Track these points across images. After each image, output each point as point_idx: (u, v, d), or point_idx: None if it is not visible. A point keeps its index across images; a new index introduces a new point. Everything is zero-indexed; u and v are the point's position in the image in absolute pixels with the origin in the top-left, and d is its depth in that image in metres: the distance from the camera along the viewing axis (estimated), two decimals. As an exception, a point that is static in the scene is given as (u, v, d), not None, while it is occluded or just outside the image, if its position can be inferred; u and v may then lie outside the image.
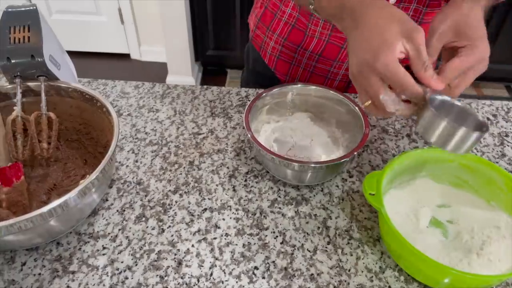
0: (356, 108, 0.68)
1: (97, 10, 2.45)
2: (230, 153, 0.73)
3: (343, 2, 0.54)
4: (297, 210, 0.65)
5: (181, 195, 0.66)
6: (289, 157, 0.68)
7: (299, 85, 0.71)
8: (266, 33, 0.87)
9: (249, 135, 0.63)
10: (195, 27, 2.28)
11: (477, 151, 0.75)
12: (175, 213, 0.64)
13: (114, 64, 2.61)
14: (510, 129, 0.79)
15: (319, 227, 0.63)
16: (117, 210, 0.64)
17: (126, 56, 2.65)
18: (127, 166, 0.70)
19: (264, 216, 0.64)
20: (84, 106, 0.65)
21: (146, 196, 0.66)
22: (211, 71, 2.58)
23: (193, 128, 0.77)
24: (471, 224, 0.61)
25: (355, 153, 0.63)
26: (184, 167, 0.70)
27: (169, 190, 0.67)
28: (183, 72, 2.38)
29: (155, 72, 2.55)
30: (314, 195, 0.67)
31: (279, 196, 0.67)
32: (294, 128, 0.71)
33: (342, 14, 0.54)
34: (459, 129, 0.48)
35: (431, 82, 0.48)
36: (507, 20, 2.15)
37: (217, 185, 0.68)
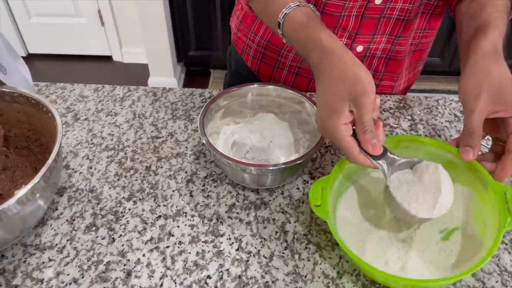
0: (314, 107, 0.66)
1: (77, 12, 2.42)
2: (190, 156, 0.71)
3: (307, 46, 0.54)
4: (256, 214, 0.63)
5: (135, 202, 0.64)
6: (246, 160, 0.66)
7: (255, 85, 0.68)
8: (248, 35, 0.84)
9: (203, 140, 0.61)
10: (175, 27, 2.25)
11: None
12: (128, 221, 0.61)
13: (96, 66, 2.58)
14: (478, 125, 0.77)
15: (277, 232, 0.60)
16: (67, 220, 0.61)
17: (108, 58, 2.61)
18: (80, 173, 0.68)
19: (220, 222, 0.62)
20: (31, 112, 0.62)
21: (98, 204, 0.63)
22: (194, 71, 2.55)
23: (152, 131, 0.75)
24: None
25: (312, 154, 0.60)
26: (140, 173, 0.68)
27: (123, 197, 0.64)
28: (165, 73, 2.35)
29: (138, 74, 2.52)
30: (274, 199, 0.65)
31: (238, 201, 0.64)
32: (254, 130, 0.69)
33: (308, 57, 0.54)
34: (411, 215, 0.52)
35: (368, 146, 0.49)
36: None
37: (173, 191, 0.65)
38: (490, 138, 0.61)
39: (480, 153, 0.55)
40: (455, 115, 0.79)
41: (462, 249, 0.55)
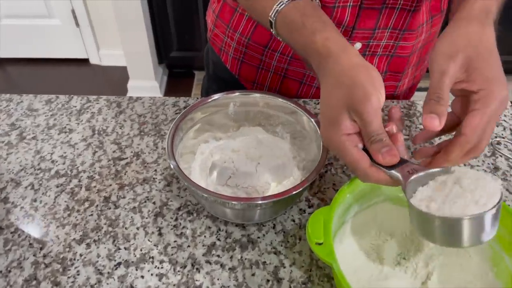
0: (312, 119, 0.53)
1: (49, 13, 2.26)
2: (159, 182, 0.58)
3: (305, 51, 0.46)
4: (241, 257, 0.50)
5: (88, 246, 0.51)
6: (229, 188, 0.53)
7: (237, 93, 0.55)
8: (226, 32, 0.71)
9: (172, 166, 0.48)
10: (155, 27, 2.11)
11: (464, 165, 0.61)
12: (78, 271, 0.48)
13: (73, 70, 2.42)
14: (502, 134, 0.65)
15: (268, 280, 0.48)
16: (1, 271, 0.48)
17: (85, 62, 2.46)
18: (21, 207, 0.54)
19: (197, 269, 0.49)
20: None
21: (41, 249, 0.50)
22: (178, 73, 2.41)
23: (114, 151, 0.62)
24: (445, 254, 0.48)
25: (311, 180, 0.48)
26: (97, 206, 0.55)
27: (73, 239, 0.51)
28: (145, 76, 2.21)
29: (117, 77, 2.37)
30: (264, 235, 0.52)
31: (219, 239, 0.51)
32: (237, 148, 0.56)
33: (309, 63, 0.47)
34: (460, 221, 0.35)
35: (378, 157, 0.40)
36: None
37: (137, 229, 0.52)
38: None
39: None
40: (475, 123, 0.67)
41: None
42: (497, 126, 0.67)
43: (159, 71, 2.29)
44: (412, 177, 0.40)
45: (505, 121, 0.68)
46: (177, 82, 2.39)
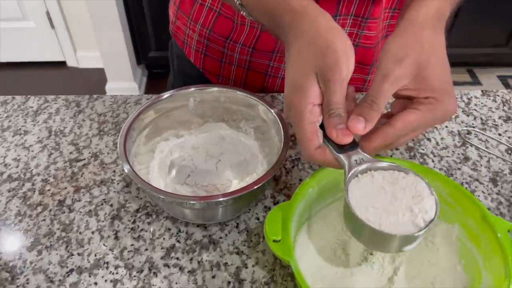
0: (273, 112, 0.51)
1: (23, 15, 2.21)
2: (118, 184, 0.55)
3: (275, 12, 0.42)
4: (202, 259, 0.48)
5: (39, 253, 0.48)
6: (188, 187, 0.51)
7: (192, 89, 0.53)
8: (187, 24, 0.69)
9: (125, 169, 0.45)
10: (132, 27, 2.07)
11: (434, 155, 0.59)
12: (27, 280, 0.45)
13: (49, 73, 2.37)
14: (473, 124, 0.64)
15: (229, 282, 0.46)
16: None
17: (61, 64, 2.41)
18: (-31, 215, 0.51)
19: (154, 273, 0.46)
20: None
21: (-12, 258, 0.47)
22: (157, 74, 2.38)
23: (71, 153, 0.59)
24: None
25: (272, 174, 0.46)
26: (50, 210, 0.52)
27: (24, 246, 0.48)
28: (124, 77, 2.17)
29: (95, 79, 2.33)
30: (226, 235, 0.50)
31: (178, 241, 0.49)
32: (197, 146, 0.54)
33: (276, 26, 0.43)
34: (392, 237, 0.35)
35: (332, 132, 0.38)
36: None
37: (93, 233, 0.50)
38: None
39: None
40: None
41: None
42: (467, 115, 0.65)
43: (138, 72, 2.26)
44: (358, 168, 0.38)
45: (475, 110, 0.66)
46: (157, 82, 2.35)
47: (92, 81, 2.33)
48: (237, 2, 0.46)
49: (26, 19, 2.22)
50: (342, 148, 0.38)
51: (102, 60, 2.11)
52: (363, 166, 0.38)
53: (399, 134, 0.39)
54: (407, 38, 0.41)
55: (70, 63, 2.40)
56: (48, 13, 2.19)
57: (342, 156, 0.38)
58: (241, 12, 0.47)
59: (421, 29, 0.42)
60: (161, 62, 2.28)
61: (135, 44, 2.15)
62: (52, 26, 2.23)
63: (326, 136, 0.38)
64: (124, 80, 2.19)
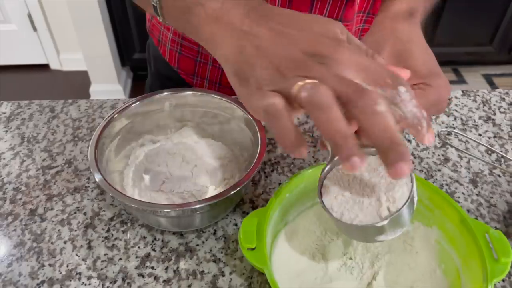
0: (249, 115, 0.50)
1: (4, 18, 2.17)
2: (92, 191, 0.53)
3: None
4: (178, 267, 0.46)
5: (9, 264, 0.46)
6: (163, 194, 0.49)
7: (165, 93, 0.52)
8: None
9: (96, 179, 0.44)
10: (116, 29, 2.05)
11: (414, 157, 0.59)
12: (-4, 294, 0.44)
13: (32, 77, 2.33)
14: (453, 125, 0.64)
15: (206, 291, 0.44)
16: None
17: (45, 67, 2.37)
18: None
19: (128, 283, 0.45)
20: None
21: (-45, 271, 0.45)
22: (142, 76, 2.35)
23: (44, 160, 0.57)
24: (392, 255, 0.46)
25: (250, 178, 0.45)
26: (21, 220, 0.50)
27: (-7, 258, 0.47)
28: (108, 80, 2.14)
29: (79, 82, 2.29)
30: (203, 242, 0.49)
31: (154, 249, 0.48)
32: (173, 152, 0.53)
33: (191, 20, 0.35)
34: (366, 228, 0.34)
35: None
36: None
37: (65, 243, 0.48)
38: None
39: None
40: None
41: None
42: (448, 116, 0.65)
43: (122, 74, 2.23)
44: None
45: (456, 110, 0.66)
46: (142, 84, 2.31)
47: (76, 84, 2.30)
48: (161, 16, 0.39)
49: (7, 22, 2.19)
50: None
51: (85, 63, 2.08)
52: None
53: None
54: (382, 32, 0.41)
55: (53, 66, 2.37)
56: (30, 16, 2.15)
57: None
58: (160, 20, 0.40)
59: (394, 23, 0.41)
60: (146, 64, 2.26)
61: (119, 46, 2.13)
62: (35, 28, 2.20)
63: None
64: (108, 83, 2.16)
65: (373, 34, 0.42)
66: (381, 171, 0.36)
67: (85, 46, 1.99)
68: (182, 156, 0.52)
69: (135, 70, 2.35)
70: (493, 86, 2.22)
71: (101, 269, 0.46)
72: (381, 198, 0.34)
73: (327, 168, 0.37)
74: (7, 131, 0.61)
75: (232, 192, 0.44)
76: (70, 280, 0.45)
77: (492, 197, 0.54)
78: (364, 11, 0.63)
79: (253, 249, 0.39)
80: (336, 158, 0.37)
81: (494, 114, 0.65)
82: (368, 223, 0.34)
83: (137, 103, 0.51)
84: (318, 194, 0.36)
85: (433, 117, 0.65)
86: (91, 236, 0.49)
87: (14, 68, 2.35)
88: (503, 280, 0.46)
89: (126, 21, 2.02)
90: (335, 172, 0.37)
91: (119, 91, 2.17)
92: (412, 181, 0.34)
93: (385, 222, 0.33)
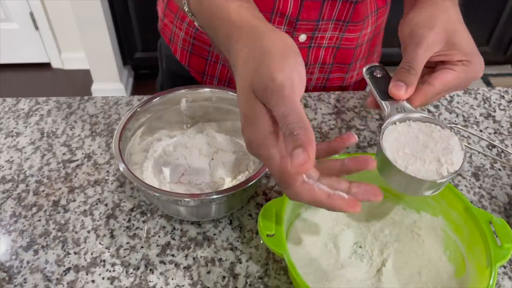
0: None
1: (6, 17, 2.18)
2: (112, 184, 0.56)
3: (213, 23, 0.40)
4: (197, 255, 0.49)
5: (36, 252, 0.48)
6: (182, 185, 0.52)
7: (183, 90, 0.54)
8: (174, 22, 0.70)
9: (121, 168, 0.46)
10: (118, 28, 2.06)
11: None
12: (25, 279, 0.46)
13: (33, 75, 2.35)
14: (455, 121, 0.67)
15: (224, 277, 0.47)
16: None
17: (46, 66, 2.38)
18: (-36, 216, 0.52)
19: (150, 270, 0.47)
20: None
21: (-15, 258, 0.48)
22: (144, 75, 2.37)
23: (64, 154, 0.59)
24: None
25: (264, 171, 0.48)
26: (45, 210, 0.53)
27: (20, 246, 0.49)
28: (110, 78, 2.16)
29: (81, 80, 2.31)
30: (220, 231, 0.51)
31: (173, 238, 0.50)
32: (190, 146, 0.55)
33: (215, 39, 0.41)
34: (422, 181, 0.39)
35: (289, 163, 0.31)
36: None
37: (88, 232, 0.51)
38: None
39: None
40: (428, 111, 0.68)
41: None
42: (450, 113, 0.68)
43: (124, 73, 2.25)
44: (397, 116, 0.41)
45: (458, 108, 0.69)
46: (143, 83, 2.35)
47: (78, 83, 2.31)
48: (186, 9, 0.43)
49: (9, 20, 2.20)
50: (386, 95, 0.42)
51: (88, 61, 2.10)
52: (402, 115, 0.41)
53: (437, 92, 0.43)
54: (433, 8, 0.45)
55: (55, 64, 2.38)
56: (32, 14, 2.16)
57: (384, 103, 0.42)
58: (194, 21, 0.44)
59: (444, 1, 0.46)
60: (148, 63, 2.27)
61: (121, 45, 2.14)
62: (36, 27, 2.21)
63: (373, 77, 0.43)
64: (110, 81, 2.18)
65: (425, 8, 0.45)
66: (435, 137, 0.41)
67: (87, 45, 2.01)
68: (199, 150, 0.54)
69: (137, 69, 2.36)
70: (489, 85, 2.26)
71: (124, 256, 0.48)
72: (441, 159, 0.39)
73: (384, 125, 0.41)
74: (26, 126, 0.63)
75: (248, 185, 0.46)
76: (95, 267, 0.47)
77: (493, 190, 0.56)
78: (374, 10, 0.66)
79: (271, 235, 0.42)
80: (393, 117, 0.41)
81: (494, 111, 0.68)
82: (430, 179, 0.38)
83: (157, 98, 0.53)
84: (381, 147, 0.40)
85: (436, 114, 0.67)
86: (113, 226, 0.51)
87: (15, 67, 2.36)
88: (504, 267, 0.48)
89: (128, 20, 2.04)
90: (392, 130, 0.41)
91: (120, 90, 2.19)
92: (463, 149, 0.40)
93: (444, 180, 0.38)
